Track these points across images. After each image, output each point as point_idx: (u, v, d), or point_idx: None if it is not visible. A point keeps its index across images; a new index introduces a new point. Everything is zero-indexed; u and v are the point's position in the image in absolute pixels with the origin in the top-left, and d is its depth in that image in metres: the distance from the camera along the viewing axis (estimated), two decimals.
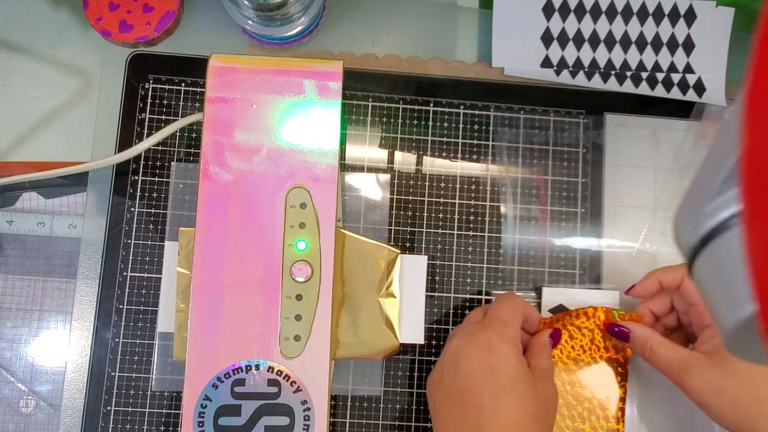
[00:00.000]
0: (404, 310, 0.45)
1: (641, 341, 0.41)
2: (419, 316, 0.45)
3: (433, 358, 0.46)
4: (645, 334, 0.41)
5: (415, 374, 0.46)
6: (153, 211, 0.46)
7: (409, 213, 0.48)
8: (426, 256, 0.47)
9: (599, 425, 0.45)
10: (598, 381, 0.45)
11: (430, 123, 0.49)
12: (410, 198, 0.48)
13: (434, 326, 0.46)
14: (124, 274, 0.45)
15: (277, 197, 0.41)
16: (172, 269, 0.44)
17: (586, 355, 0.45)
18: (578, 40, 0.49)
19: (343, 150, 0.48)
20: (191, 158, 0.47)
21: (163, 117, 0.47)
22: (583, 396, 0.45)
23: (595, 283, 0.48)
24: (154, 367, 0.44)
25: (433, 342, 0.46)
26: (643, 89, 0.49)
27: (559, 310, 0.47)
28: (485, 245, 0.48)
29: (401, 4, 0.51)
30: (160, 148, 0.47)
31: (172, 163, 0.46)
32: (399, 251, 0.45)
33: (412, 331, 0.45)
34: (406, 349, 0.46)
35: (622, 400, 0.45)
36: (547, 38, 0.49)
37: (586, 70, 0.49)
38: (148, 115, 0.47)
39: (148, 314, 0.45)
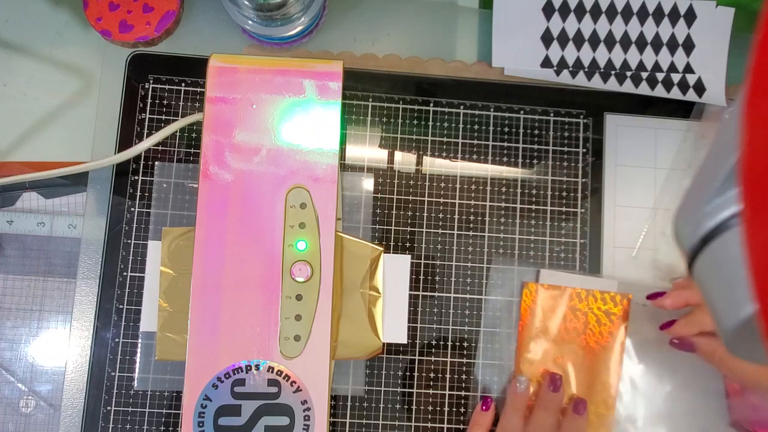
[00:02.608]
0: (387, 309, 0.45)
1: (708, 353, 0.42)
2: (402, 316, 0.45)
3: (433, 358, 0.46)
4: (711, 346, 0.42)
5: (415, 374, 0.46)
6: (153, 211, 0.46)
7: (409, 213, 0.48)
8: (409, 256, 0.46)
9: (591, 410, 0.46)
10: (591, 366, 0.46)
11: (430, 123, 0.49)
12: (410, 198, 0.48)
13: (434, 326, 0.46)
14: (124, 274, 0.45)
15: (277, 197, 0.41)
16: (155, 269, 0.44)
17: (581, 338, 0.46)
18: (578, 40, 0.49)
19: (343, 150, 0.48)
20: (191, 158, 0.47)
21: (163, 117, 0.47)
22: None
23: None
24: (137, 367, 0.44)
25: (433, 342, 0.46)
26: (643, 89, 0.49)
27: None
28: (485, 245, 0.48)
29: (401, 4, 0.51)
30: (160, 148, 0.47)
31: (156, 162, 0.47)
32: (382, 249, 0.45)
33: (394, 330, 0.45)
34: (406, 348, 0.46)
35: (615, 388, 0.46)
36: (547, 38, 0.49)
37: (586, 70, 0.49)
38: (148, 115, 0.47)
39: None
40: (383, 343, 0.44)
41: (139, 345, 0.45)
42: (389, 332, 0.45)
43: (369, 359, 0.46)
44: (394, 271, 0.46)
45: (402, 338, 0.45)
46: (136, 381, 0.44)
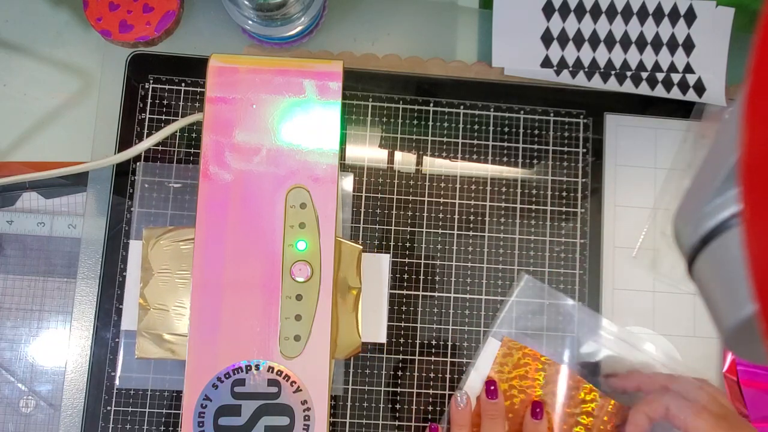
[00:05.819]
0: (366, 309, 0.45)
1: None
2: (382, 315, 0.45)
3: (432, 358, 0.46)
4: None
5: (415, 374, 0.46)
6: (153, 211, 0.46)
7: (409, 213, 0.48)
8: (388, 255, 0.46)
9: None
10: None
11: (430, 123, 0.49)
12: (410, 198, 0.48)
13: (434, 326, 0.46)
14: (124, 274, 0.45)
15: (277, 197, 0.41)
16: (136, 268, 0.44)
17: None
18: (578, 40, 0.49)
19: (343, 150, 0.48)
20: (191, 158, 0.47)
21: (163, 117, 0.47)
22: None
23: (595, 279, 0.48)
24: (119, 365, 0.44)
25: (433, 342, 0.46)
26: (643, 89, 0.49)
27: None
28: (485, 245, 0.48)
29: (401, 4, 0.51)
30: (160, 148, 0.47)
31: (138, 162, 0.46)
32: (360, 248, 0.44)
33: (373, 330, 0.45)
34: (405, 349, 0.46)
35: None
36: (547, 38, 0.49)
37: (586, 70, 0.49)
38: (148, 115, 0.47)
39: None
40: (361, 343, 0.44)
41: (122, 344, 0.45)
42: (368, 332, 0.45)
43: (349, 359, 0.45)
44: (374, 271, 0.46)
45: (381, 338, 0.45)
46: (118, 379, 0.44)
